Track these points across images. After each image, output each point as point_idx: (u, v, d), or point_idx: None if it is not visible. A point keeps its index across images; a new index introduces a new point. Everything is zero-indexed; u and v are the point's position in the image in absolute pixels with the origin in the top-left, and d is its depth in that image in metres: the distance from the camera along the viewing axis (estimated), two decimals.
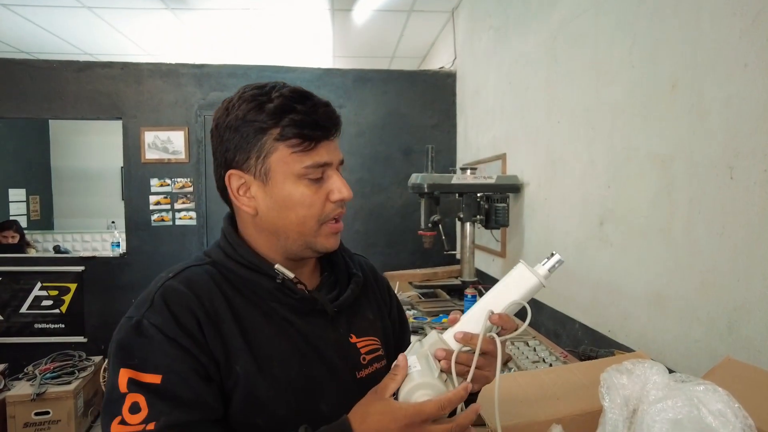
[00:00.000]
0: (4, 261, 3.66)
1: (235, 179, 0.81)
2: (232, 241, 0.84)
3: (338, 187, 0.80)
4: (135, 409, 0.66)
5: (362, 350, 0.87)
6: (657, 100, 1.42)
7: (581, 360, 1.47)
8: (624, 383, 0.80)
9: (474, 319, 0.69)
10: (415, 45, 4.70)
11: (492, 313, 0.68)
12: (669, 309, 1.38)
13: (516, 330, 0.69)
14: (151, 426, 0.65)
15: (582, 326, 1.87)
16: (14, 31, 4.36)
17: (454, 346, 0.70)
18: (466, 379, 0.69)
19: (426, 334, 0.78)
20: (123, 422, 0.65)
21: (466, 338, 0.69)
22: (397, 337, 1.01)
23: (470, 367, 0.70)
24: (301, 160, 0.77)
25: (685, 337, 1.31)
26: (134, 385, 0.67)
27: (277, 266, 0.81)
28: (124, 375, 0.68)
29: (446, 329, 0.75)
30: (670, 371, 0.81)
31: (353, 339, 0.87)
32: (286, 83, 0.81)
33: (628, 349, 1.53)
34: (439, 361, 0.70)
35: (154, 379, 0.68)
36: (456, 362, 0.69)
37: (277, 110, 0.76)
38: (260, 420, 0.75)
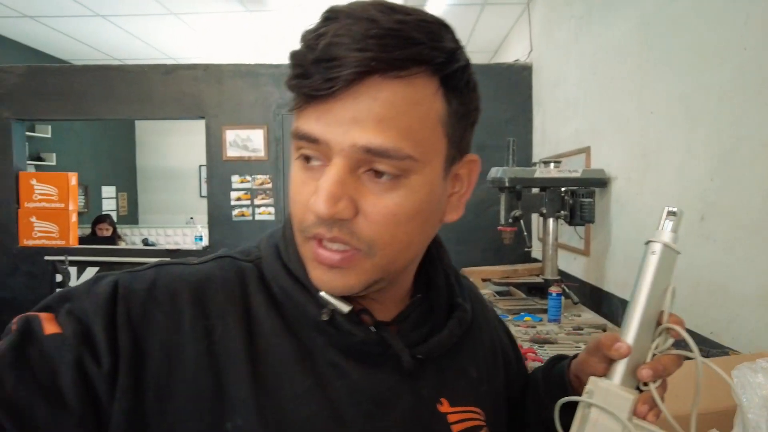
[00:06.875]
0: (101, 252, 3.96)
1: None
2: (288, 233, 0.54)
3: (317, 190, 0.45)
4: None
5: (454, 427, 0.55)
6: None
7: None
8: (760, 382, 0.74)
9: (642, 337, 0.52)
10: (487, 39, 4.62)
11: (663, 313, 0.52)
12: None
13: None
14: None
15: None
16: (109, 41, 4.71)
17: (637, 386, 0.53)
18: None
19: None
20: None
21: (658, 371, 0.50)
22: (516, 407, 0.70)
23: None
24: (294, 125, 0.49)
25: None
26: (27, 325, 0.43)
27: (322, 293, 0.49)
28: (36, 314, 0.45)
29: (601, 372, 0.55)
30: None
31: (443, 407, 0.55)
32: None
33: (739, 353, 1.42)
34: (645, 418, 0.51)
35: (55, 328, 0.43)
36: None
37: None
38: None
